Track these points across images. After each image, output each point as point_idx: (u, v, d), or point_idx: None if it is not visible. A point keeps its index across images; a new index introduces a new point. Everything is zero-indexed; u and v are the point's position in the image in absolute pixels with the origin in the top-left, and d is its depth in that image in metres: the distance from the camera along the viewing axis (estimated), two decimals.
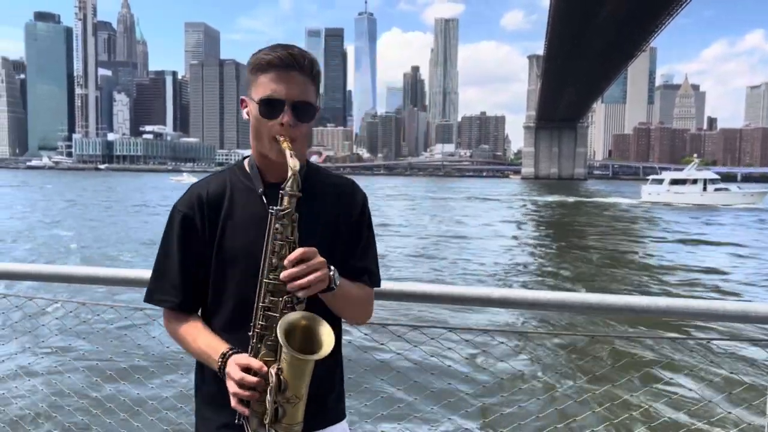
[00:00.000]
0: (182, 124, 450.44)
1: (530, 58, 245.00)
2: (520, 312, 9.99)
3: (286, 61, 1.58)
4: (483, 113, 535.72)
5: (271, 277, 1.50)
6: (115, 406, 3.49)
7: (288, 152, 1.54)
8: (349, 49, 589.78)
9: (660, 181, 58.91)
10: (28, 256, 19.57)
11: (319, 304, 1.60)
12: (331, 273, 1.54)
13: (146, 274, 2.07)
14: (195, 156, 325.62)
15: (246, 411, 1.48)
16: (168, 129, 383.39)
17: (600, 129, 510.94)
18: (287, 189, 1.50)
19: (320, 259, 1.50)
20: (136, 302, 2.38)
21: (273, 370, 1.45)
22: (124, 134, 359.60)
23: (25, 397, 4.63)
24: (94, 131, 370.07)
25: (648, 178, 63.80)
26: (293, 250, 1.49)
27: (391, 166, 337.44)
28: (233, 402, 1.48)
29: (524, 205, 58.13)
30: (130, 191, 70.81)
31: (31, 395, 4.36)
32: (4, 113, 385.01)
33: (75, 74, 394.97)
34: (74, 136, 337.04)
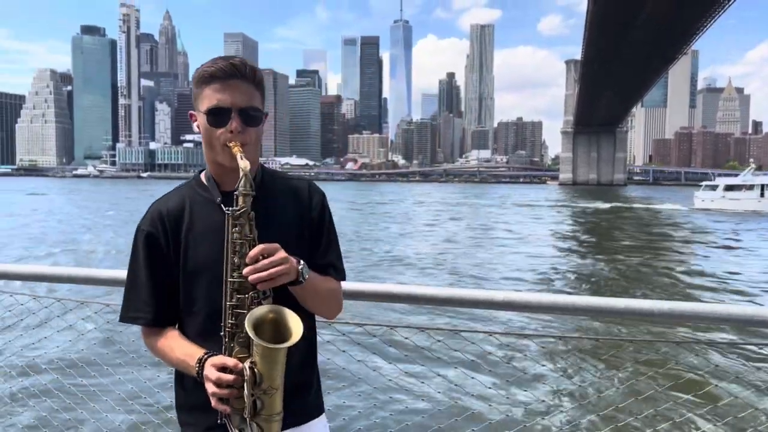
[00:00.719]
0: None
1: (567, 62, 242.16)
2: (541, 315, 10.19)
3: (228, 71, 1.62)
4: (519, 119, 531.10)
5: (234, 275, 1.55)
6: (142, 405, 3.64)
7: (238, 155, 1.58)
8: (385, 56, 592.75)
9: (714, 188, 57.12)
10: (68, 260, 20.50)
11: (291, 301, 1.65)
12: (300, 267, 1.59)
13: None
14: None
15: (227, 409, 1.52)
16: None
17: (640, 134, 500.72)
18: (240, 189, 1.55)
19: (283, 254, 1.54)
20: None
21: (247, 365, 1.49)
22: (165, 143, 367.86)
23: (55, 395, 4.74)
24: (137, 140, 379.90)
25: (701, 183, 61.87)
26: (253, 247, 1.54)
27: (426, 172, 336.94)
28: (213, 402, 1.52)
29: (560, 212, 57.49)
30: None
31: (64, 395, 4.44)
32: (52, 124, 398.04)
33: (119, 85, 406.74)
34: (118, 145, 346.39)
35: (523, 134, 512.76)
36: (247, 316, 1.50)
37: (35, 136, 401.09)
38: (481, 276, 18.62)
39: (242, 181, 1.55)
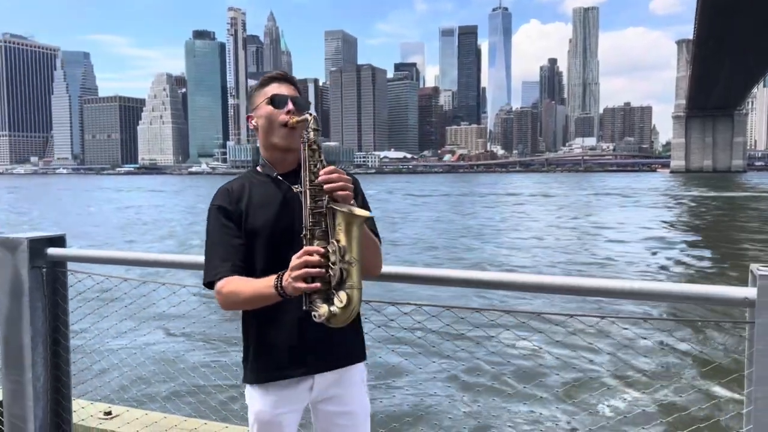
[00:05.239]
0: (323, 128, 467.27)
1: (679, 43, 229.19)
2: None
3: (282, 76, 2.23)
4: (627, 104, 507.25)
5: (311, 185, 1.89)
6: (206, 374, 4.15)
7: (296, 118, 2.08)
8: (483, 45, 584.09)
9: None
10: None
11: None
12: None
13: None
14: (335, 158, 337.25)
15: (315, 286, 1.79)
16: None
17: (762, 116, 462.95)
18: (311, 126, 1.95)
19: (347, 176, 1.91)
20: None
21: (334, 241, 1.81)
22: None
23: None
24: (245, 138, 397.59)
25: None
26: (324, 167, 1.91)
27: (526, 162, 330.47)
28: (299, 284, 1.78)
29: (679, 203, 54.27)
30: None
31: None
32: (169, 125, 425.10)
33: (228, 86, 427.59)
34: (228, 143, 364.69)
35: (631, 120, 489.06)
36: (331, 205, 1.84)
37: (154, 136, 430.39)
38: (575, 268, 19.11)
39: (311, 121, 1.96)
